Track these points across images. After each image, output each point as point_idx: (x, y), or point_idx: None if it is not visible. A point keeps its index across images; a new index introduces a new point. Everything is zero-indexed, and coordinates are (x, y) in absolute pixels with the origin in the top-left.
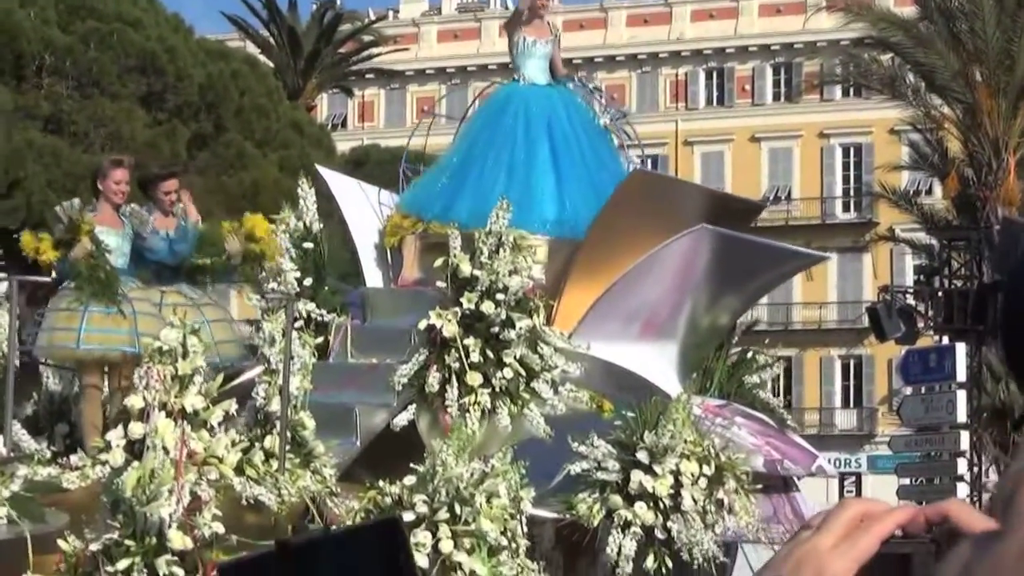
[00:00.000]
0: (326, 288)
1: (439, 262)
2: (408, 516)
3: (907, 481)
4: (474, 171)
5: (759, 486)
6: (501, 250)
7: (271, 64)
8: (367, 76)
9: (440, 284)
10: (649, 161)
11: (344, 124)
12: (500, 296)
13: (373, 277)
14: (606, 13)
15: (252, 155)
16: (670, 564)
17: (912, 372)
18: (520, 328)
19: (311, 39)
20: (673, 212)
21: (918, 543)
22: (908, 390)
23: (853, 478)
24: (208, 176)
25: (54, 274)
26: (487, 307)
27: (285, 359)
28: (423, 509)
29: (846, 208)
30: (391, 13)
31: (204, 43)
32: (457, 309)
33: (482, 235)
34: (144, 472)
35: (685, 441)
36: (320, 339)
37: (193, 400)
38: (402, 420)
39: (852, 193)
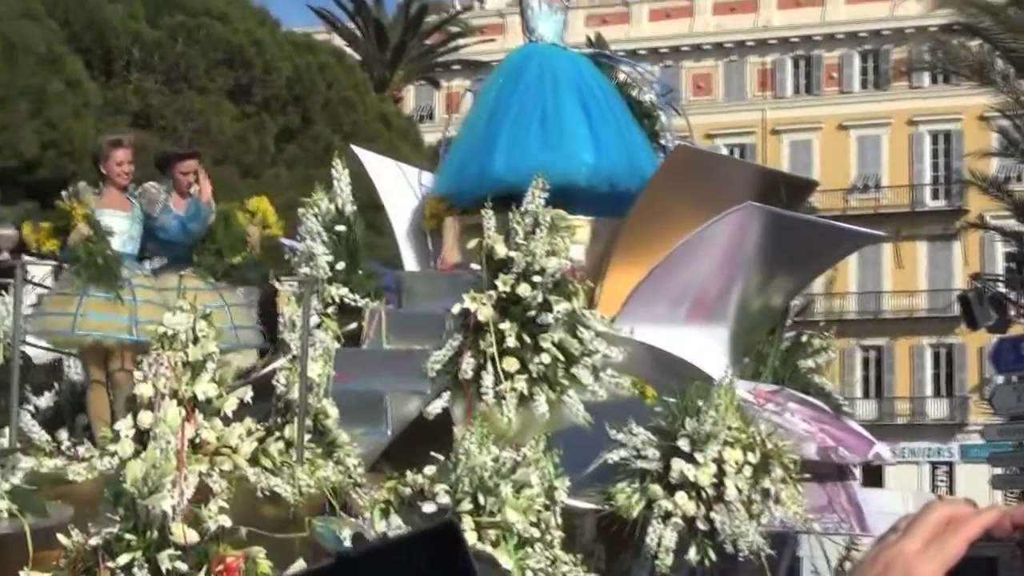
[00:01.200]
0: (360, 272)
1: (473, 243)
2: (429, 507)
3: (1000, 470)
4: (505, 123)
5: (807, 475)
6: (538, 230)
7: (358, 56)
8: (454, 67)
9: (474, 266)
10: (736, 150)
11: (431, 116)
12: (537, 278)
13: (412, 261)
14: (692, 2)
15: (340, 148)
16: (714, 556)
17: (1004, 360)
18: (558, 312)
19: (397, 31)
20: (721, 189)
21: (1004, 546)
22: (1000, 379)
23: (945, 467)
24: (296, 169)
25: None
26: (523, 290)
27: (303, 344)
28: (445, 500)
29: (935, 196)
30: (477, 3)
31: (291, 36)
32: (492, 292)
33: (518, 215)
34: (147, 463)
35: (729, 428)
36: (353, 325)
37: (205, 388)
38: (436, 408)
39: (941, 181)
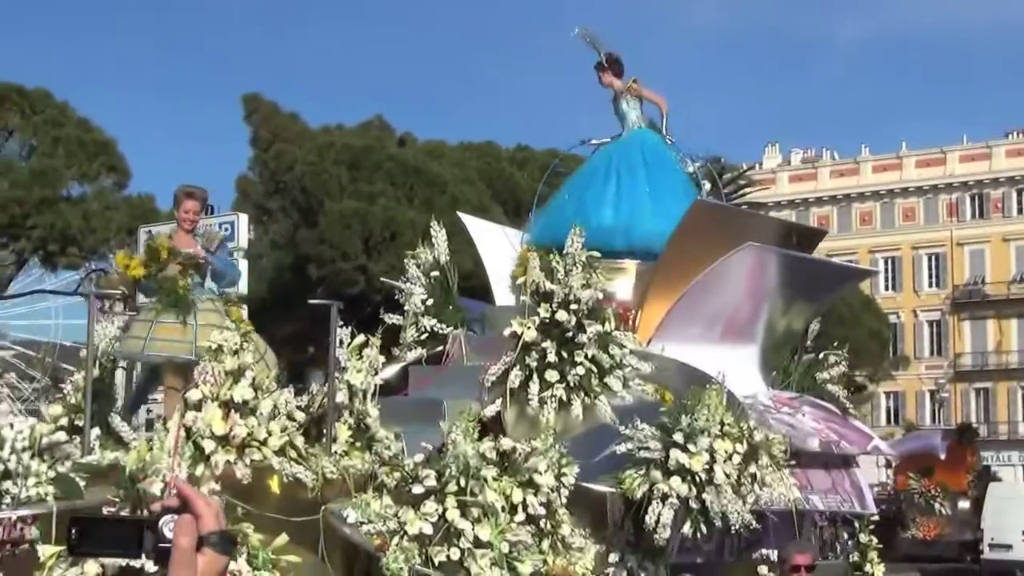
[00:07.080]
0: (450, 308)
1: (521, 279)
2: (418, 489)
3: None
4: (587, 195)
5: (792, 462)
6: (575, 269)
7: None
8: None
9: (523, 298)
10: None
11: None
12: (574, 306)
13: (503, 301)
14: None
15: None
16: (705, 530)
17: None
18: (590, 332)
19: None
20: (739, 235)
21: None
22: None
23: None
24: None
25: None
26: (561, 315)
27: (331, 356)
28: (432, 483)
29: None
30: (757, 165)
31: None
32: (536, 318)
33: (556, 256)
34: (141, 452)
35: (722, 423)
36: (440, 348)
37: (243, 392)
38: (490, 412)
39: None
